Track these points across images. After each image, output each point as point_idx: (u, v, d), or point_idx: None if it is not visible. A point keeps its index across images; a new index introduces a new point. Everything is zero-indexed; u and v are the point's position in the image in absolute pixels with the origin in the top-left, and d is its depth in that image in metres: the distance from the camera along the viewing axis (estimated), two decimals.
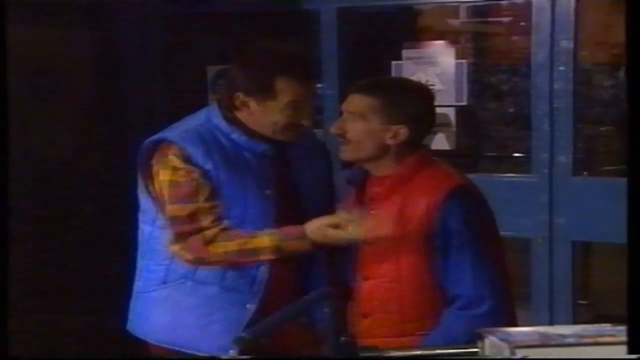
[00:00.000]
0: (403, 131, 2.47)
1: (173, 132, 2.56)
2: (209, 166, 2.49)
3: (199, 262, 2.53)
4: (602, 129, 4.95)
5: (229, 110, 2.56)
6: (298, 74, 2.48)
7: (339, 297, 2.33)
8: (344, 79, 4.59)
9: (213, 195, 2.49)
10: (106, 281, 4.06)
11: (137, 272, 2.70)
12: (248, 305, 2.53)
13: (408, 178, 2.49)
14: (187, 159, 2.48)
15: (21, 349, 2.58)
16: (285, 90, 2.46)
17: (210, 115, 2.58)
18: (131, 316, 2.73)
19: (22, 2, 3.74)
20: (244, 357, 2.09)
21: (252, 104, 2.50)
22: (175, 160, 2.48)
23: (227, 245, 2.48)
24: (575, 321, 4.12)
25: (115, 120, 4.70)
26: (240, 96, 2.50)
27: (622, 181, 4.25)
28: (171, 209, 2.51)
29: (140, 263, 2.69)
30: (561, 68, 4.13)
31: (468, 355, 1.81)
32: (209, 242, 2.48)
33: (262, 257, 2.47)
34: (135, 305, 2.71)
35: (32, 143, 4.24)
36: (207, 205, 2.49)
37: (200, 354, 2.49)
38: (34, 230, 4.18)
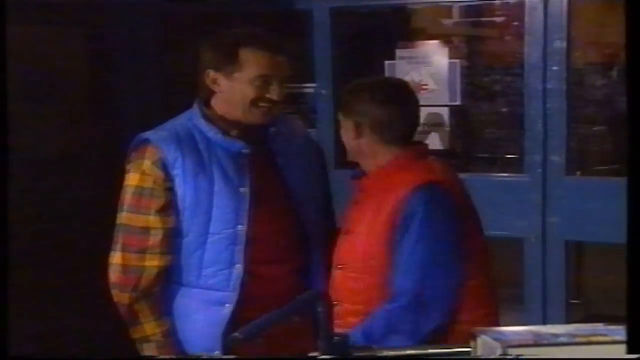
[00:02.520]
0: (366, 130, 2.52)
1: (153, 132, 2.58)
2: (177, 170, 2.49)
3: (110, 284, 2.55)
4: (595, 129, 4.96)
5: (208, 107, 2.56)
6: (263, 46, 2.49)
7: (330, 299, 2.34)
8: (337, 79, 4.60)
9: (168, 208, 2.50)
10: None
11: None
12: (227, 305, 2.52)
13: (386, 174, 2.52)
14: (158, 162, 2.49)
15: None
16: (251, 61, 2.47)
17: (192, 116, 2.59)
18: None
19: (16, 1, 3.73)
20: (241, 357, 2.09)
21: (222, 80, 2.50)
22: (147, 164, 2.50)
23: (138, 309, 2.52)
24: (569, 320, 4.13)
25: (109, 120, 4.69)
26: (211, 74, 2.51)
27: (615, 181, 4.28)
28: (126, 216, 2.53)
29: None
30: (555, 68, 4.14)
31: (461, 355, 1.82)
32: (135, 289, 2.51)
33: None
34: None
35: (24, 142, 4.24)
36: (157, 221, 2.50)
37: (184, 355, 2.50)
38: (26, 230, 4.17)
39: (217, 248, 2.51)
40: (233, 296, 2.51)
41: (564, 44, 4.11)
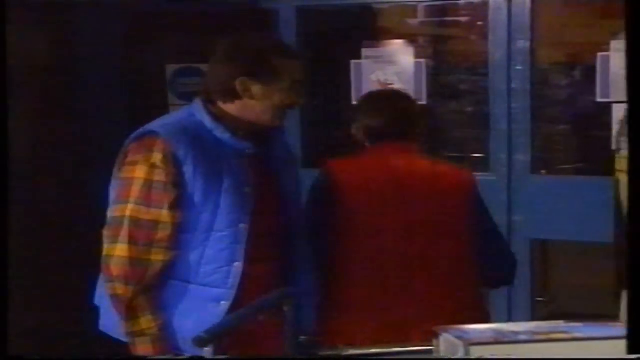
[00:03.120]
0: (357, 129, 3.00)
1: (159, 125, 2.55)
2: (188, 167, 2.48)
3: (108, 277, 2.52)
4: (559, 128, 5.01)
5: (214, 105, 2.56)
6: (292, 54, 2.57)
7: (299, 297, 2.35)
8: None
9: (178, 203, 2.49)
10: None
11: None
12: (222, 302, 2.53)
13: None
14: (170, 157, 2.47)
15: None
16: (286, 69, 2.53)
17: (194, 112, 2.58)
18: (105, 316, 2.66)
19: None
20: (239, 357, 2.09)
21: (256, 87, 2.52)
22: (158, 157, 2.48)
23: (140, 306, 2.49)
24: (534, 318, 4.17)
25: (74, 118, 4.66)
26: (245, 81, 2.52)
27: (580, 179, 4.30)
28: (134, 209, 2.48)
29: None
30: (518, 68, 4.17)
31: (423, 354, 1.83)
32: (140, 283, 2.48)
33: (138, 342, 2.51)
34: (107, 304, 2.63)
35: None
36: (170, 215, 2.47)
37: (180, 353, 2.48)
38: None
39: (219, 245, 2.52)
40: (230, 293, 2.52)
41: (528, 44, 4.15)
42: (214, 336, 2.16)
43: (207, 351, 1.97)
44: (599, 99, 4.12)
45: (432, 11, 4.92)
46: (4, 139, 1.81)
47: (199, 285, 2.53)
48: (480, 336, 1.65)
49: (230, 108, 2.56)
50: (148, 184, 2.48)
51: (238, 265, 2.52)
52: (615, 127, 3.82)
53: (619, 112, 3.85)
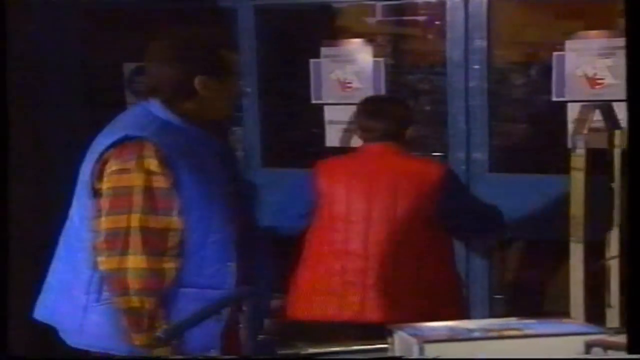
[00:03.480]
0: (354, 129, 3.66)
1: (136, 129, 2.47)
2: (182, 169, 2.44)
3: (121, 290, 2.43)
4: (516, 126, 5.04)
5: (174, 104, 2.52)
6: (233, 46, 2.61)
7: (258, 296, 2.36)
8: (262, 78, 4.59)
9: (182, 208, 2.44)
10: None
11: (86, 284, 2.52)
12: None
13: None
14: (165, 161, 2.41)
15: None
16: (233, 62, 2.56)
17: (155, 112, 2.53)
18: (90, 331, 2.53)
19: None
20: (238, 356, 2.09)
21: (214, 83, 2.51)
22: (153, 163, 2.41)
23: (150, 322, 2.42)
24: (491, 315, 4.20)
25: (30, 118, 4.61)
26: (204, 79, 2.49)
27: (538, 178, 4.34)
28: (142, 218, 2.41)
29: (90, 273, 2.52)
30: (476, 67, 4.20)
31: (378, 352, 1.84)
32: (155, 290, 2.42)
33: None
34: (97, 319, 2.53)
35: None
36: (178, 221, 2.43)
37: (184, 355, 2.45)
38: None
39: (217, 247, 2.49)
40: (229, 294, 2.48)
41: (485, 43, 4.18)
42: (171, 336, 2.16)
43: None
44: (554, 98, 4.17)
45: (390, 10, 4.93)
46: (4, 139, 1.79)
47: (200, 289, 2.48)
48: (434, 334, 1.66)
49: (189, 106, 2.53)
50: (149, 191, 2.41)
51: (232, 265, 2.51)
52: (571, 126, 3.86)
53: (574, 112, 3.90)
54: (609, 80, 4.02)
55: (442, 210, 3.37)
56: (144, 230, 2.41)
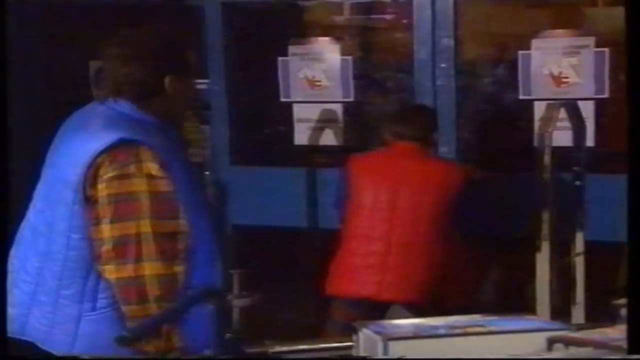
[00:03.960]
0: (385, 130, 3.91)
1: (130, 131, 2.41)
2: (176, 172, 2.39)
3: (139, 299, 2.37)
4: (483, 124, 5.07)
5: (143, 104, 2.47)
6: (192, 42, 2.56)
7: (223, 295, 2.35)
8: (230, 76, 4.59)
9: (186, 211, 2.39)
10: None
11: (79, 294, 2.44)
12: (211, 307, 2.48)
13: None
14: (164, 165, 2.36)
15: None
16: (194, 61, 2.54)
17: (127, 112, 2.47)
18: (85, 341, 2.45)
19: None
20: (238, 356, 2.08)
21: (178, 83, 2.47)
22: (153, 167, 2.35)
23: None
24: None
25: None
26: (173, 78, 2.46)
27: (503, 175, 4.36)
28: (153, 223, 2.34)
29: (82, 283, 2.44)
30: (443, 65, 4.23)
31: (343, 349, 1.85)
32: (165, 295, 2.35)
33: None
34: (93, 328, 2.45)
35: None
36: (185, 224, 2.38)
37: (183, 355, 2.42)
38: None
39: (208, 247, 2.46)
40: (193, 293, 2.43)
41: (452, 42, 4.21)
42: (137, 335, 2.15)
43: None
44: (521, 97, 4.20)
45: (358, 8, 4.95)
46: (4, 139, 1.77)
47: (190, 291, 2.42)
48: (399, 331, 1.67)
49: (156, 106, 2.48)
50: (154, 196, 2.35)
51: (217, 265, 2.48)
52: (537, 124, 3.89)
53: (540, 110, 3.93)
54: (573, 78, 4.06)
55: (457, 207, 3.75)
56: (157, 235, 2.35)
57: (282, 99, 4.57)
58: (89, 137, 2.43)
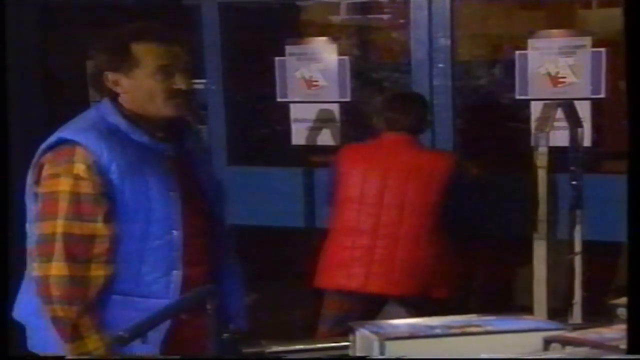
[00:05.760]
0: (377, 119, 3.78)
1: (74, 132, 2.42)
2: (113, 174, 2.38)
3: (47, 298, 2.38)
4: (480, 124, 5.08)
5: (116, 103, 2.46)
6: (154, 37, 2.44)
7: (222, 294, 2.35)
8: (227, 75, 4.58)
9: (112, 214, 2.39)
10: None
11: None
12: None
13: None
14: (94, 166, 2.36)
15: None
16: (146, 55, 2.42)
17: (104, 114, 2.47)
18: (37, 336, 2.50)
19: None
20: (238, 357, 2.08)
21: (122, 80, 2.43)
22: (81, 168, 2.36)
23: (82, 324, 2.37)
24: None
25: None
26: (109, 75, 2.43)
27: (501, 175, 4.36)
28: (66, 224, 2.36)
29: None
30: (440, 65, 4.23)
31: (340, 349, 1.84)
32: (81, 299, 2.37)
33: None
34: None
35: None
36: (104, 227, 2.38)
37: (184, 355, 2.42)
38: None
39: (156, 254, 2.43)
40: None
41: (448, 42, 4.21)
42: (134, 335, 2.15)
43: None
44: (517, 97, 4.20)
45: (355, 8, 4.95)
46: (4, 139, 1.76)
47: (141, 298, 2.42)
48: (396, 331, 1.67)
49: (126, 105, 2.44)
50: (75, 197, 2.36)
51: (177, 274, 2.44)
52: (534, 124, 3.89)
53: (537, 109, 3.93)
54: (570, 78, 4.06)
55: (445, 199, 3.70)
56: (67, 236, 2.36)
57: (279, 99, 4.56)
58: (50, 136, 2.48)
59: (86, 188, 2.36)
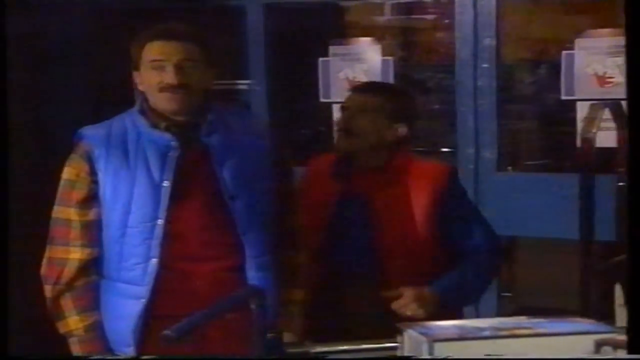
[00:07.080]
0: (402, 129, 2.85)
1: (91, 127, 2.64)
2: (99, 164, 2.55)
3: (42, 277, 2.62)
4: (525, 124, 5.04)
5: (142, 99, 2.62)
6: (156, 35, 2.56)
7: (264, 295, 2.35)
8: (271, 76, 4.59)
9: (89, 201, 2.57)
10: None
11: None
12: (142, 300, 2.52)
13: (403, 169, 2.86)
14: (85, 156, 2.57)
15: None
16: (148, 51, 2.56)
17: (131, 111, 2.64)
18: None
19: None
20: (239, 357, 2.09)
21: (139, 77, 2.59)
22: (74, 158, 2.59)
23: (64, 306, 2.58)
24: (499, 313, 4.19)
25: (38, 118, 4.62)
26: (135, 74, 2.60)
27: (545, 176, 4.33)
28: (54, 209, 2.60)
29: None
30: (484, 65, 4.20)
31: (389, 350, 1.84)
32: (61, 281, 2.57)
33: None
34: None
35: None
36: (75, 213, 2.57)
37: (112, 353, 2.51)
38: None
39: (134, 241, 2.52)
40: (146, 290, 2.51)
41: (493, 41, 4.18)
42: (181, 334, 2.16)
43: None
44: (563, 97, 4.16)
45: (399, 9, 4.94)
46: (4, 140, 1.82)
47: (121, 283, 2.54)
48: (444, 332, 1.66)
49: (148, 101, 2.59)
50: (64, 183, 2.60)
51: (154, 262, 2.51)
52: (580, 125, 3.86)
53: (583, 110, 3.89)
54: (618, 78, 4.01)
55: (440, 210, 3.08)
56: (55, 220, 2.60)
57: (322, 100, 4.56)
58: None
59: (71, 175, 2.59)
